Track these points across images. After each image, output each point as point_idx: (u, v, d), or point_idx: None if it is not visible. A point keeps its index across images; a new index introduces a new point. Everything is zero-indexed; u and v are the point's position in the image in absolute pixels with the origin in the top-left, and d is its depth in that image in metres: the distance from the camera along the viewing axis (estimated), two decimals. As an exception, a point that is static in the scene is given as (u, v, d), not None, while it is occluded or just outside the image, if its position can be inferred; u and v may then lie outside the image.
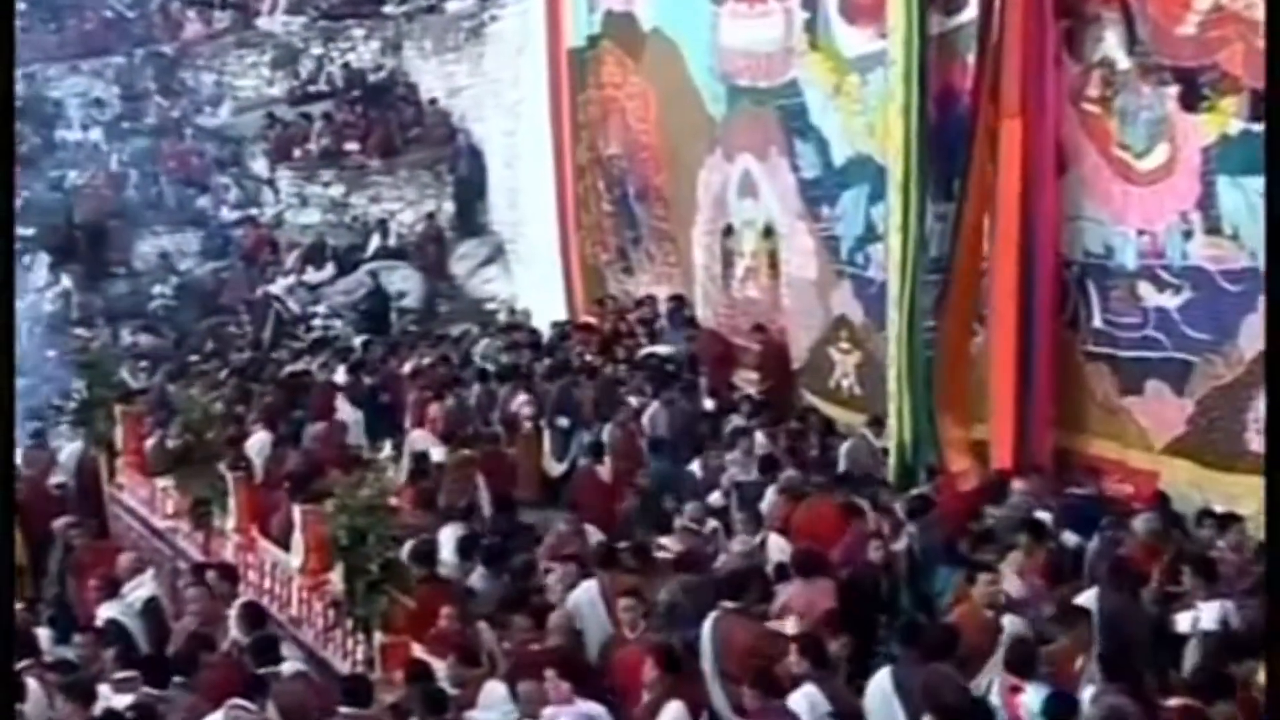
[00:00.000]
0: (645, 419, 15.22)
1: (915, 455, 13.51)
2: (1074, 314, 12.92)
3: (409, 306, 24.28)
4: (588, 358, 17.87)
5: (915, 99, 13.29)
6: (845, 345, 15.77)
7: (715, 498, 12.77)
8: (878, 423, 14.21)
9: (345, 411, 16.87)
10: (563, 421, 15.92)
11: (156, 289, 24.68)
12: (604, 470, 14.14)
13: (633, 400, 15.80)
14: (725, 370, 17.52)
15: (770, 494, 12.40)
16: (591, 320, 20.16)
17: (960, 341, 13.37)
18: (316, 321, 23.34)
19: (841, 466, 13.56)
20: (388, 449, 14.81)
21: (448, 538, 11.52)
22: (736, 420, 14.84)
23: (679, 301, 18.97)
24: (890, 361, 13.80)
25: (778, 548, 11.14)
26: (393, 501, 10.54)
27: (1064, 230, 12.85)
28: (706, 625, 9.35)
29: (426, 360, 18.48)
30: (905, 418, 13.55)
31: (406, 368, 18.25)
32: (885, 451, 13.93)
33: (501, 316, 23.18)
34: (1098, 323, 12.78)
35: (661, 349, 17.98)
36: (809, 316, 16.39)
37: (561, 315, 21.25)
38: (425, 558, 10.69)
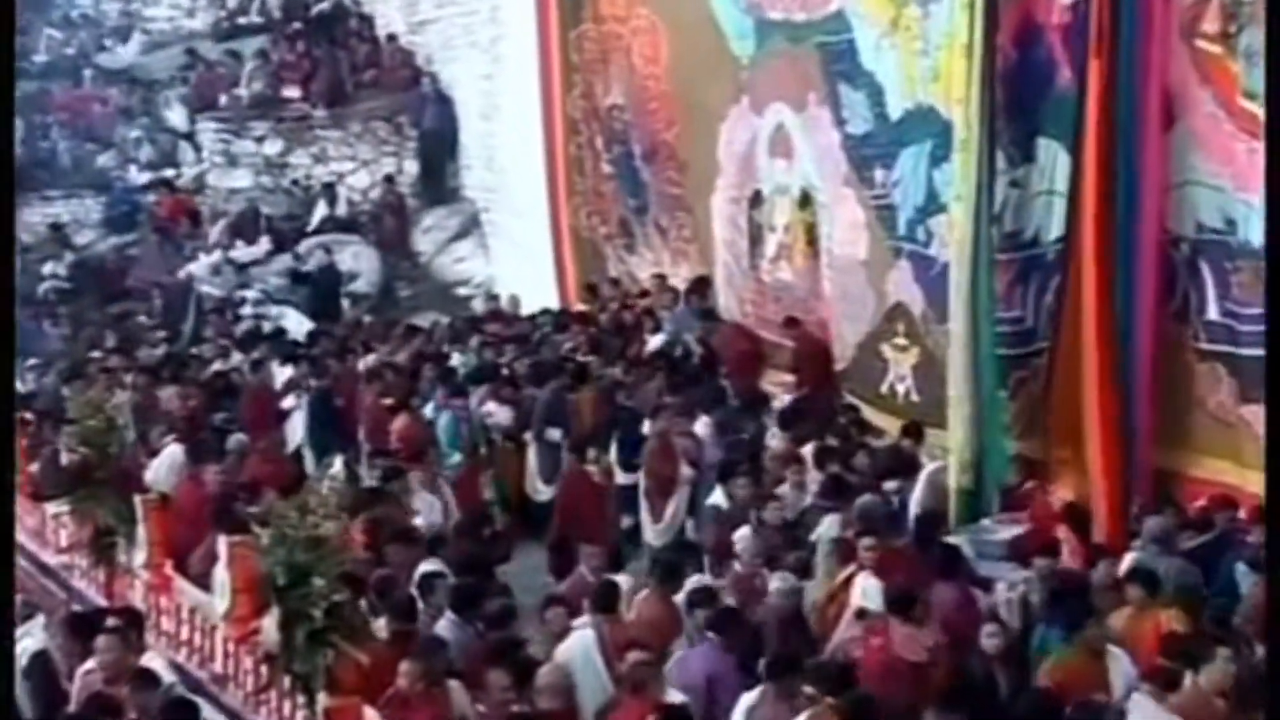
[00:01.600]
0: (702, 434, 15.31)
1: (979, 478, 13.57)
2: (1183, 303, 12.95)
3: (362, 291, 24.45)
4: (583, 356, 18.02)
5: (979, 36, 13.29)
6: (901, 340, 15.80)
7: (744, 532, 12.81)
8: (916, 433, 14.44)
9: (284, 420, 17.05)
10: (553, 434, 16.05)
11: (48, 268, 24.79)
12: (595, 471, 14.39)
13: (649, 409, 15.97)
14: (751, 371, 17.62)
15: (830, 523, 12.50)
16: (588, 309, 20.35)
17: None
18: (247, 310, 23.42)
19: (916, 500, 13.57)
20: (338, 466, 14.85)
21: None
22: (775, 437, 15.02)
23: (701, 285, 19.10)
24: (952, 360, 13.87)
25: (866, 591, 11.08)
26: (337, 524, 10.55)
27: (1170, 198, 12.86)
28: (742, 707, 9.31)
29: (396, 357, 18.71)
30: (968, 430, 13.59)
31: (361, 366, 18.43)
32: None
33: (476, 304, 23.31)
34: (1213, 314, 12.79)
35: (656, 339, 18.22)
36: (857, 305, 16.46)
37: (551, 302, 21.35)
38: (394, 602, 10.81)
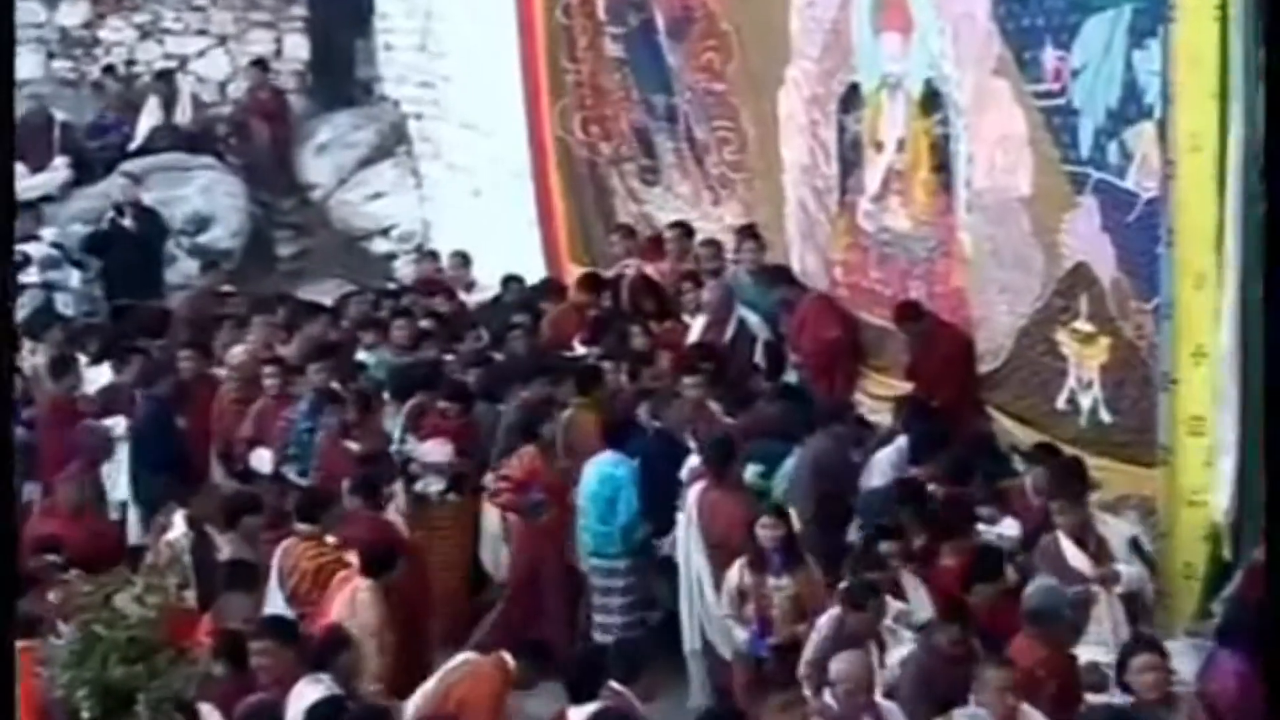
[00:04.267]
0: (879, 465, 15.46)
1: (1237, 546, 13.61)
2: None
3: (218, 245, 24.73)
4: (579, 348, 18.20)
5: None
6: (1085, 326, 15.70)
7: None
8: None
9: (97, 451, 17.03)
10: None
11: None
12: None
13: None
14: (840, 370, 17.80)
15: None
16: (592, 271, 20.38)
17: None
18: (33, 275, 23.39)
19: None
20: (179, 527, 14.85)
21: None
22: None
23: (749, 238, 19.06)
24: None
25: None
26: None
27: None
28: None
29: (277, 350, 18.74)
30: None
31: (223, 369, 18.47)
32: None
33: (400, 266, 23.65)
34: None
35: (700, 323, 18.38)
36: (1013, 269, 16.39)
37: (524, 265, 21.40)
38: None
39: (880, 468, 15.64)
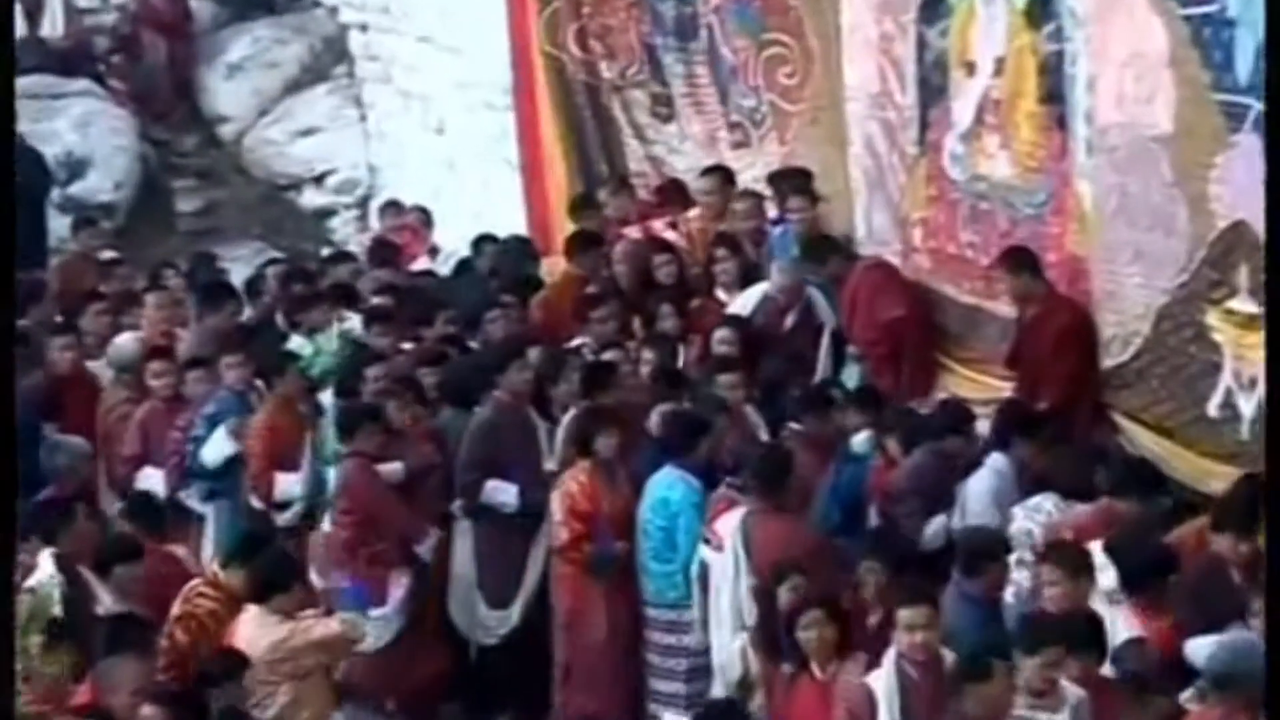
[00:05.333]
0: (975, 494, 15.33)
1: None
2: None
3: (96, 198, 24.88)
4: (577, 339, 18.06)
5: None
6: (1247, 306, 15.44)
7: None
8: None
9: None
10: (504, 493, 16.34)
11: None
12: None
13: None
14: (910, 360, 17.83)
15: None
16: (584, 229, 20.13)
17: None
18: None
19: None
20: (45, 568, 14.47)
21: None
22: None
23: (797, 192, 18.97)
24: None
25: None
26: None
27: None
28: None
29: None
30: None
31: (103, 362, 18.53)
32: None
33: (340, 225, 23.82)
34: None
35: (749, 297, 18.25)
36: (1150, 231, 16.20)
37: (501, 221, 21.46)
38: None
39: (976, 497, 15.40)
